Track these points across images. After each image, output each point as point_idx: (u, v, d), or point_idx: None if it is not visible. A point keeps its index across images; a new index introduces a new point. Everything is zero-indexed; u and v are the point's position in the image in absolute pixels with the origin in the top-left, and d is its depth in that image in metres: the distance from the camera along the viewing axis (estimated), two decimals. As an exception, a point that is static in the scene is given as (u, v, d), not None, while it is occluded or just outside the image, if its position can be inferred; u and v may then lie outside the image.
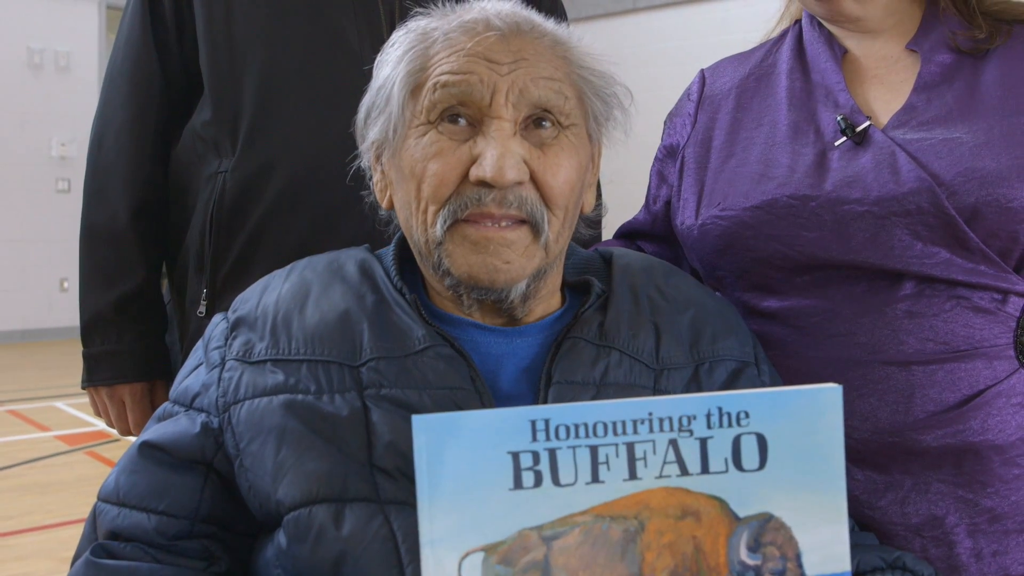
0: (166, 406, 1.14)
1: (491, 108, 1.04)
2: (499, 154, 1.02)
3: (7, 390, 7.22)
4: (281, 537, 1.01)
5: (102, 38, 9.85)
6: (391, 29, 1.29)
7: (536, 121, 1.06)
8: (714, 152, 1.40)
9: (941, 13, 1.33)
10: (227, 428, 1.06)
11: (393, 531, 0.97)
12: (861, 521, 1.23)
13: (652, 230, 1.51)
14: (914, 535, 1.22)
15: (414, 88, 1.07)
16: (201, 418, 1.08)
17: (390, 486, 0.99)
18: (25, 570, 3.69)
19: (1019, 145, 1.21)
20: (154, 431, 1.10)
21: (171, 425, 1.09)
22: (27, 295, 9.58)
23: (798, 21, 1.45)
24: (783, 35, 1.47)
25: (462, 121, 1.05)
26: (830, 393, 0.88)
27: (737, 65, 1.48)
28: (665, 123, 1.52)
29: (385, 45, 1.13)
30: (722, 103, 1.44)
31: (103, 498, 1.09)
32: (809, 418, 0.88)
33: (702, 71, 1.52)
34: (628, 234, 1.56)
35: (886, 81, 1.34)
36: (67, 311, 9.55)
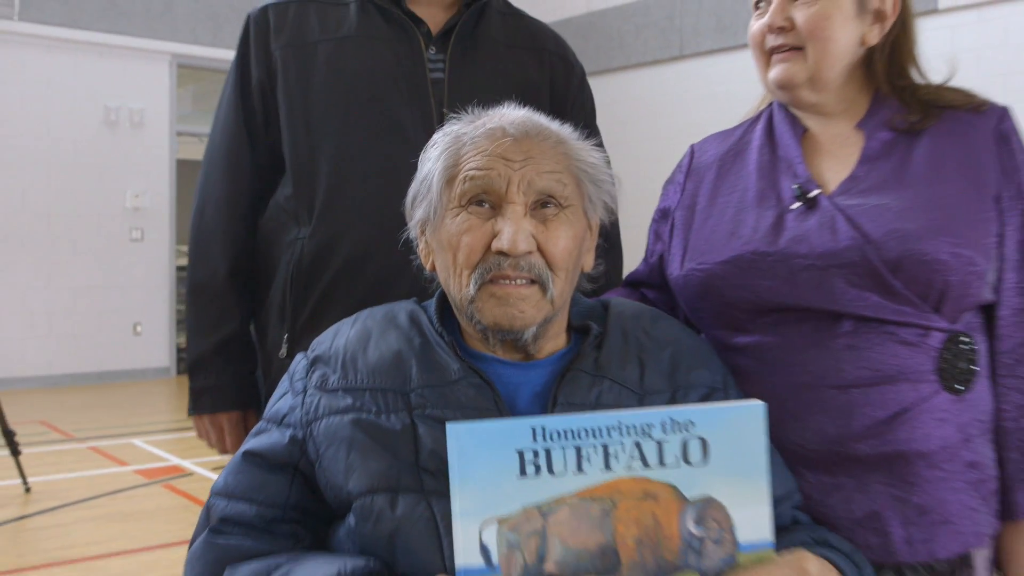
0: (261, 424, 1.34)
1: (507, 195, 1.25)
2: (513, 231, 1.23)
3: (88, 427, 7.29)
4: (351, 519, 1.20)
5: (173, 95, 9.84)
6: (441, 120, 1.44)
7: (542, 204, 1.27)
8: (697, 215, 1.56)
9: (883, 99, 1.50)
10: (309, 439, 1.26)
11: (434, 513, 1.16)
12: (814, 516, 1.36)
13: (650, 280, 1.68)
14: (857, 527, 1.37)
15: (449, 179, 1.28)
16: (289, 432, 1.28)
17: (432, 481, 1.18)
18: (112, 591, 3.92)
19: (936, 210, 1.36)
20: (253, 442, 1.31)
21: (266, 438, 1.30)
22: (104, 339, 9.44)
23: (772, 103, 1.63)
24: (759, 116, 1.65)
25: (486, 204, 1.26)
26: (755, 408, 1.08)
27: (721, 141, 1.65)
28: (662, 189, 1.69)
29: (426, 145, 1.35)
30: (705, 174, 1.60)
31: (215, 493, 1.29)
32: (739, 426, 1.07)
33: (691, 146, 1.69)
34: (633, 283, 1.72)
35: (837, 155, 1.49)
36: (141, 354, 9.50)
